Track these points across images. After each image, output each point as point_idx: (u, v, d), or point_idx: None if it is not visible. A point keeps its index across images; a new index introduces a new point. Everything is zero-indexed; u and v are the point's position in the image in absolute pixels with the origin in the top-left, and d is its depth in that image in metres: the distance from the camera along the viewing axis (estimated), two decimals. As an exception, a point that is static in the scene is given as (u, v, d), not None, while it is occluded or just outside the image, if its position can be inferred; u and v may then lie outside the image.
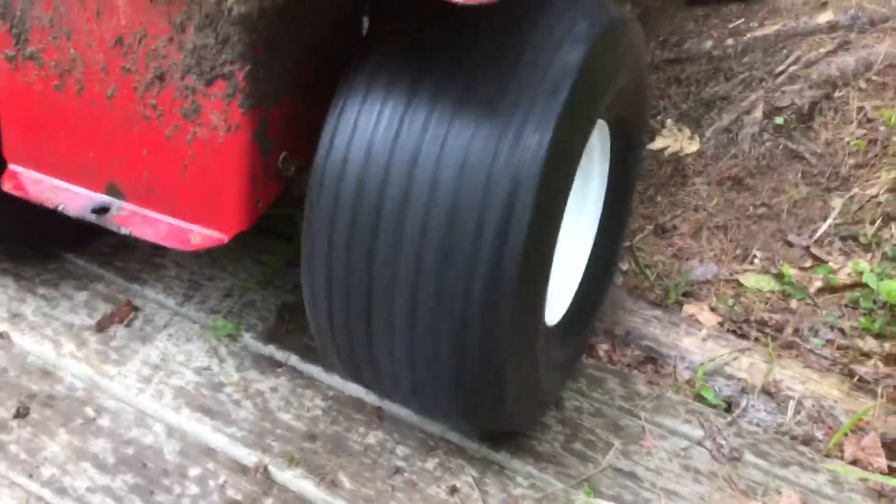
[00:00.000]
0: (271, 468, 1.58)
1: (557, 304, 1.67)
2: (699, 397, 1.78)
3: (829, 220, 2.30)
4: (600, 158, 1.69)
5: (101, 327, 1.87)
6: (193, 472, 1.58)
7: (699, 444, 1.67)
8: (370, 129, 1.30)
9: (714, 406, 1.76)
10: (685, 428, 1.71)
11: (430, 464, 1.61)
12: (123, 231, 1.49)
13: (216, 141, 1.39)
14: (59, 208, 1.53)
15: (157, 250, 2.10)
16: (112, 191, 1.53)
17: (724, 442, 1.67)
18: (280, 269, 2.06)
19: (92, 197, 1.54)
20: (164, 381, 1.75)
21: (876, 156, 2.41)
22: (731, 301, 2.04)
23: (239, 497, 1.53)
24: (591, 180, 1.71)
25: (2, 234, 1.89)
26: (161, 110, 1.41)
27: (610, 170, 1.70)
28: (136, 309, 1.92)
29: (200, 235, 1.48)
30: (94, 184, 1.54)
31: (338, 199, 1.33)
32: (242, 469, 1.59)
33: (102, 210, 1.52)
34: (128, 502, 1.51)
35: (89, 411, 1.68)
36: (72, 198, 1.54)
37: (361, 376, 1.54)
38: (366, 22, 1.56)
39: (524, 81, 1.27)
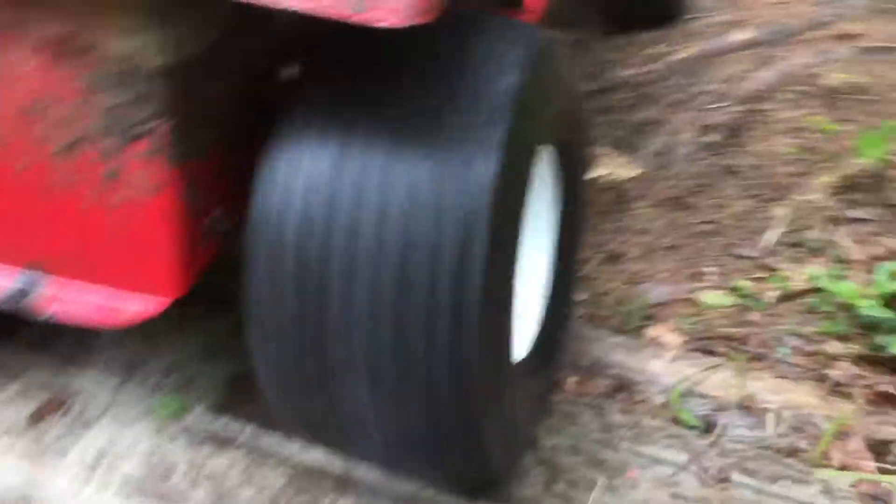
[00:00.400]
0: (237, 552, 1.46)
1: (523, 336, 1.60)
2: (676, 420, 1.72)
3: (776, 230, 2.30)
4: (548, 185, 1.65)
5: (35, 420, 1.73)
6: (151, 566, 1.44)
7: (684, 469, 1.61)
8: (305, 174, 1.23)
9: (693, 427, 1.70)
10: (668, 454, 1.64)
11: (408, 525, 1.51)
12: (46, 315, 1.37)
13: (143, 202, 1.30)
14: None
15: (89, 330, 1.96)
16: (32, 269, 1.41)
17: (709, 464, 1.61)
18: (223, 338, 1.94)
19: (12, 277, 1.42)
20: (109, 471, 1.61)
21: (810, 162, 2.44)
22: (692, 320, 2.00)
23: (205, 588, 1.40)
24: (542, 207, 1.66)
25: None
26: (80, 177, 1.31)
27: (560, 195, 1.66)
28: (72, 395, 1.78)
29: (133, 308, 1.37)
30: (11, 264, 1.42)
31: (278, 252, 1.25)
32: (205, 557, 1.46)
33: (23, 294, 1.40)
34: None
35: (28, 513, 1.54)
36: None
37: (324, 438, 1.44)
38: (295, 67, 1.49)
39: (462, 111, 1.22)
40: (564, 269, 1.73)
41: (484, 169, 1.18)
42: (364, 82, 1.28)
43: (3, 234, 1.39)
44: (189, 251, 1.35)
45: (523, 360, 1.58)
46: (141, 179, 1.28)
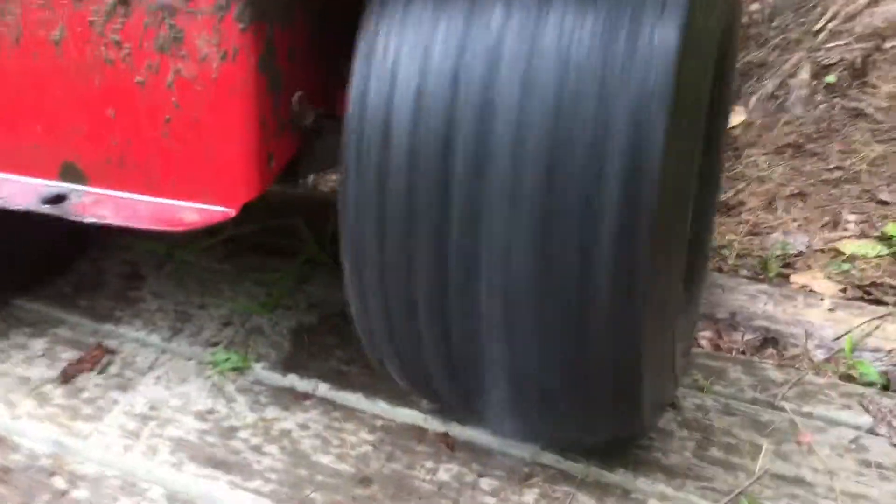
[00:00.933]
0: (318, 527, 1.15)
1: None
2: (847, 377, 1.40)
3: (922, 172, 1.97)
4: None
5: (66, 378, 1.44)
6: (211, 544, 1.14)
7: (871, 431, 1.28)
8: (420, 50, 0.93)
9: (871, 385, 1.37)
10: (846, 415, 1.32)
11: (530, 496, 1.19)
12: (89, 220, 1.09)
13: (208, 77, 1.00)
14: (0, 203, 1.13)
15: (130, 283, 1.69)
16: (69, 173, 1.13)
17: (903, 424, 1.28)
18: (288, 288, 1.65)
19: (43, 185, 1.14)
20: (158, 434, 1.32)
21: (957, 97, 2.11)
22: (844, 266, 1.67)
23: (280, 570, 1.10)
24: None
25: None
26: (128, 48, 1.03)
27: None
28: (110, 352, 1.50)
29: (197, 211, 1.08)
30: (45, 168, 1.14)
31: (384, 157, 0.95)
32: (278, 533, 1.15)
33: (58, 199, 1.12)
34: None
35: (59, 482, 1.24)
36: (16, 189, 1.14)
37: (431, 391, 1.14)
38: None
39: None
40: (708, 192, 1.42)
41: (668, 35, 0.88)
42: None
43: (38, 129, 1.12)
44: (266, 140, 1.05)
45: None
46: (205, 46, 0.99)
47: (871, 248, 1.76)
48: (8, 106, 1.11)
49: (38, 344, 1.52)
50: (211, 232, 1.77)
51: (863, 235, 1.82)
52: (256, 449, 1.29)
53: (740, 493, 1.18)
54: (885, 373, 1.40)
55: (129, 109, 1.05)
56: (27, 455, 1.29)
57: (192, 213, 1.08)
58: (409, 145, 0.93)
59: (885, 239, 1.78)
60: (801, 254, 1.77)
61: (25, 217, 1.13)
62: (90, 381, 1.43)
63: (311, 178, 2.03)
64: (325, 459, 1.26)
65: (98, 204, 1.10)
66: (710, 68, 1.06)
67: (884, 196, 1.94)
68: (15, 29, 1.06)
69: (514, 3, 0.91)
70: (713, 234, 1.51)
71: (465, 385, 1.08)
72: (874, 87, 2.25)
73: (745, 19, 2.52)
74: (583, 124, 0.87)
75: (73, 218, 1.09)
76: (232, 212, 1.05)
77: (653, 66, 0.87)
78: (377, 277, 1.02)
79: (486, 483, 1.22)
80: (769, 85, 2.31)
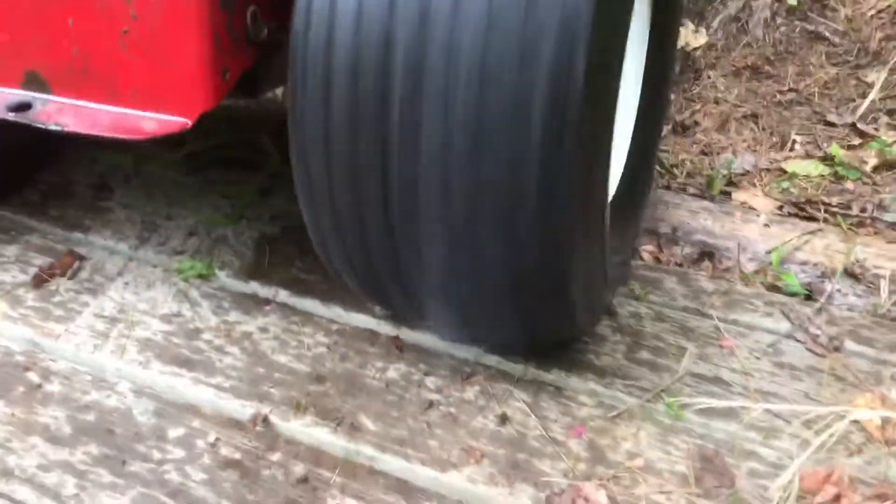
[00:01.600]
0: (273, 418, 1.25)
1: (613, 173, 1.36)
2: (773, 288, 1.49)
3: (871, 97, 2.03)
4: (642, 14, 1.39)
5: (38, 282, 1.52)
6: (174, 433, 1.24)
7: (789, 337, 1.38)
8: None
9: (794, 295, 1.47)
10: (767, 322, 1.42)
11: (470, 393, 1.29)
12: (53, 127, 1.14)
13: None
14: None
15: (99, 193, 1.75)
16: (33, 82, 1.18)
17: (818, 332, 1.38)
18: (252, 200, 1.72)
19: (8, 93, 1.19)
20: (125, 334, 1.40)
21: (910, 22, 2.16)
22: (784, 184, 1.76)
23: (237, 456, 1.20)
24: (638, 27, 1.40)
25: None
26: None
27: (651, 12, 1.40)
28: (80, 258, 1.57)
29: (156, 121, 1.14)
30: (9, 77, 1.19)
31: (327, 68, 1.00)
32: (236, 423, 1.25)
33: (23, 107, 1.17)
34: (94, 477, 1.17)
35: (33, 377, 1.33)
36: None
37: (377, 292, 1.22)
38: None
39: None
40: (653, 99, 1.48)
41: None
42: None
43: (1, 38, 1.16)
44: (220, 54, 1.10)
45: (612, 198, 1.35)
46: None
47: (813, 168, 1.84)
48: None
49: (11, 250, 1.59)
50: (178, 144, 1.83)
51: (807, 156, 1.90)
52: (219, 349, 1.38)
53: (662, 390, 1.29)
54: (808, 284, 1.49)
55: (88, 20, 1.10)
56: (2, 353, 1.37)
57: (150, 122, 1.13)
58: (350, 56, 0.98)
59: (827, 159, 1.86)
60: (747, 173, 1.85)
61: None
62: (62, 286, 1.51)
63: (278, 92, 2.07)
64: (283, 359, 1.35)
65: (61, 112, 1.15)
66: None
67: (832, 118, 2.01)
68: None
69: None
70: (655, 150, 1.57)
71: (411, 289, 1.16)
72: (834, 10, 2.29)
73: (711, -60, 2.54)
74: (512, 35, 0.93)
75: (37, 125, 1.14)
76: (188, 122, 1.11)
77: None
78: (326, 189, 1.09)
79: (430, 381, 1.31)
80: (732, 7, 2.34)
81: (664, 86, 1.54)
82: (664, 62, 1.51)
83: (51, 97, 1.17)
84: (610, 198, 1.37)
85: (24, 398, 1.29)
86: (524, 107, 0.93)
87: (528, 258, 1.04)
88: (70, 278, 1.53)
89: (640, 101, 1.47)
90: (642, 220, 1.54)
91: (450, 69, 0.95)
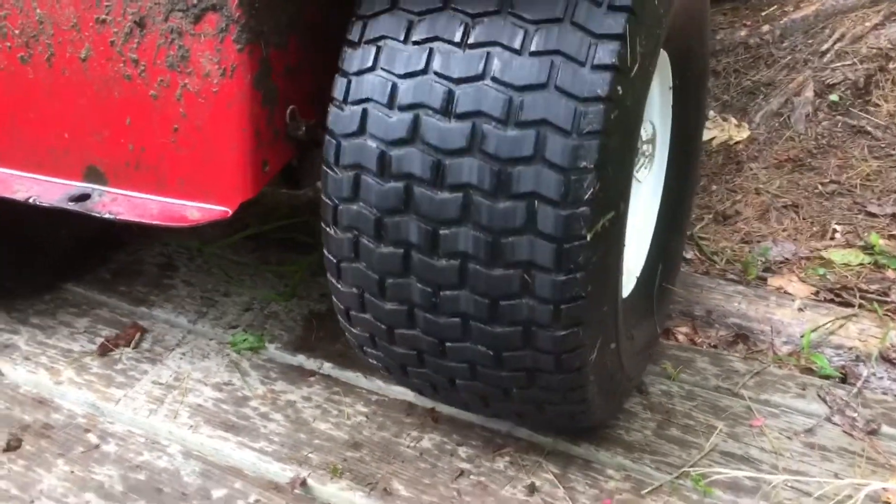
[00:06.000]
0: (311, 482, 1.31)
1: (629, 270, 1.41)
2: (807, 370, 1.51)
3: (912, 188, 2.06)
4: (663, 93, 1.47)
5: (103, 351, 1.63)
6: (218, 493, 1.30)
7: (823, 418, 1.39)
8: (393, 68, 1.06)
9: (827, 377, 1.48)
10: (799, 403, 1.43)
11: (500, 463, 1.33)
12: (108, 216, 1.22)
13: (210, 90, 1.14)
14: (31, 201, 1.26)
15: (164, 272, 1.88)
16: (92, 175, 1.27)
17: (854, 414, 1.38)
18: (303, 279, 1.82)
19: (69, 185, 1.30)
20: (179, 400, 1.49)
21: (950, 117, 2.19)
22: (821, 271, 1.78)
23: (274, 515, 1.26)
24: (657, 122, 1.48)
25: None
26: (144, 65, 1.17)
27: (674, 108, 1.48)
28: (143, 330, 1.68)
29: (199, 210, 1.23)
30: (71, 170, 1.27)
31: (358, 168, 1.08)
32: (276, 486, 1.31)
33: (82, 197, 1.28)
34: (139, 531, 1.24)
35: (92, 438, 1.42)
36: (45, 188, 1.28)
37: (409, 384, 1.29)
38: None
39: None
40: (677, 193, 1.55)
41: (605, 57, 1.00)
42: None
43: (66, 135, 1.28)
44: (260, 148, 1.17)
45: (628, 297, 1.39)
46: (208, 63, 1.12)
47: (853, 257, 1.86)
48: (40, 116, 1.26)
49: (81, 322, 1.71)
50: (241, 226, 1.96)
51: (847, 245, 1.92)
52: (264, 416, 1.45)
53: (691, 466, 1.31)
54: (842, 367, 1.51)
55: (143, 119, 1.20)
56: (66, 415, 1.47)
57: (194, 210, 1.21)
58: (378, 156, 1.06)
59: (867, 248, 1.88)
60: (786, 261, 1.88)
61: (69, 212, 1.29)
62: (124, 355, 1.62)
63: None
64: (323, 426, 1.42)
65: (115, 202, 1.23)
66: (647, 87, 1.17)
67: (873, 208, 2.03)
68: (47, 49, 1.22)
69: (469, 38, 1.04)
70: (683, 236, 1.63)
71: (437, 382, 1.22)
72: (876, 105, 2.34)
73: (755, 40, 2.64)
74: (530, 133, 1.01)
75: (93, 214, 1.22)
76: (229, 210, 1.18)
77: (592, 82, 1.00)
78: (357, 287, 1.15)
79: (463, 451, 1.36)
80: (774, 103, 2.41)
81: (689, 194, 1.60)
82: (688, 164, 1.57)
83: (107, 188, 1.25)
84: (633, 287, 1.43)
85: (82, 457, 1.38)
86: (537, 213, 1.01)
87: (545, 362, 1.10)
88: (133, 348, 1.63)
89: (663, 195, 1.53)
90: (666, 310, 1.58)
91: (469, 175, 1.02)
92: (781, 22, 2.63)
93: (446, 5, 1.06)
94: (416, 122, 1.04)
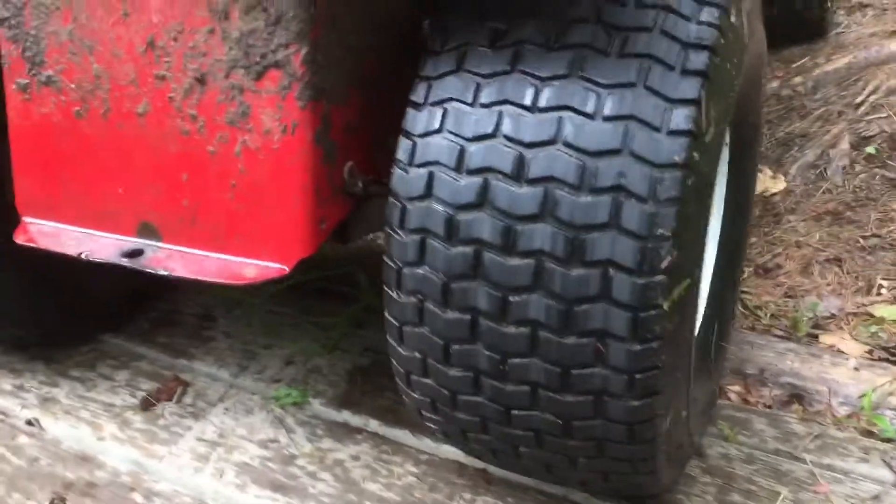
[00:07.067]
0: (364, 547, 1.27)
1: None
2: (868, 433, 1.47)
3: (956, 243, 2.03)
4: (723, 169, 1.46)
5: (146, 406, 1.60)
6: (269, 557, 1.27)
7: (887, 485, 1.35)
8: (461, 131, 1.04)
9: (890, 441, 1.45)
10: (863, 468, 1.39)
11: (559, 529, 1.30)
12: (163, 272, 1.20)
13: (270, 147, 1.13)
14: (84, 256, 1.24)
15: (203, 323, 1.85)
16: (145, 231, 1.25)
17: (918, 479, 1.35)
18: (346, 332, 1.80)
19: (123, 241, 1.28)
20: (225, 458, 1.46)
21: None
22: (873, 328, 1.75)
23: (329, 583, 1.22)
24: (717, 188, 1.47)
25: (27, 329, 1.67)
26: (203, 121, 1.16)
27: (730, 164, 1.47)
28: (185, 384, 1.65)
29: (256, 267, 1.21)
30: (124, 226, 1.25)
31: (424, 232, 1.06)
32: (329, 551, 1.28)
33: (136, 253, 1.26)
34: None
35: (137, 497, 1.39)
36: (99, 244, 1.25)
37: (469, 448, 1.26)
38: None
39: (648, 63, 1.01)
40: (730, 254, 1.53)
41: (681, 120, 0.98)
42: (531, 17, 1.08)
43: (121, 191, 1.25)
44: (319, 205, 1.16)
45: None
46: (269, 121, 1.11)
47: (902, 313, 1.83)
48: (95, 170, 1.24)
49: (121, 375, 1.69)
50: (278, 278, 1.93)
51: (895, 301, 1.90)
52: (312, 475, 1.42)
53: (756, 535, 1.27)
54: (904, 430, 1.47)
55: (200, 175, 1.18)
56: (110, 472, 1.44)
57: (251, 268, 1.19)
58: (447, 217, 1.04)
59: (916, 305, 1.85)
60: (833, 316, 1.85)
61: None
62: (167, 410, 1.59)
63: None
64: (373, 487, 1.39)
65: (170, 258, 1.21)
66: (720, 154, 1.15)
67: (918, 264, 2.01)
68: (104, 103, 1.21)
69: (539, 101, 1.02)
70: (736, 297, 1.61)
71: (497, 447, 1.20)
72: (912, 158, 2.33)
73: (788, 92, 2.64)
74: (605, 199, 0.99)
75: (147, 271, 1.21)
76: (286, 269, 1.16)
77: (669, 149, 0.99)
78: (420, 352, 1.12)
79: (519, 515, 1.33)
80: (810, 154, 2.40)
81: (741, 249, 1.59)
82: (742, 214, 1.56)
83: (161, 244, 1.23)
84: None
85: (128, 517, 1.35)
86: (612, 281, 0.98)
87: (617, 432, 1.07)
88: (175, 402, 1.61)
89: (718, 251, 1.51)
90: (721, 369, 1.55)
91: (536, 243, 1.00)
92: (814, 74, 2.63)
93: (514, 68, 1.05)
94: (485, 186, 1.02)
